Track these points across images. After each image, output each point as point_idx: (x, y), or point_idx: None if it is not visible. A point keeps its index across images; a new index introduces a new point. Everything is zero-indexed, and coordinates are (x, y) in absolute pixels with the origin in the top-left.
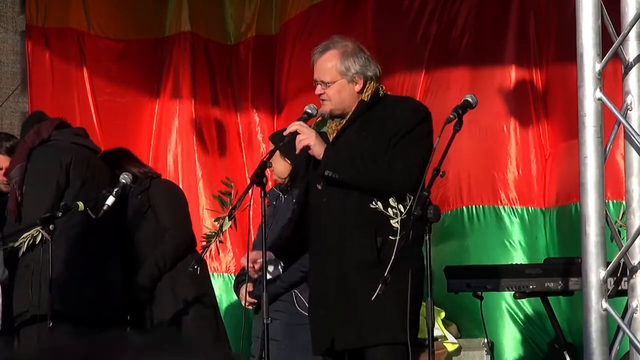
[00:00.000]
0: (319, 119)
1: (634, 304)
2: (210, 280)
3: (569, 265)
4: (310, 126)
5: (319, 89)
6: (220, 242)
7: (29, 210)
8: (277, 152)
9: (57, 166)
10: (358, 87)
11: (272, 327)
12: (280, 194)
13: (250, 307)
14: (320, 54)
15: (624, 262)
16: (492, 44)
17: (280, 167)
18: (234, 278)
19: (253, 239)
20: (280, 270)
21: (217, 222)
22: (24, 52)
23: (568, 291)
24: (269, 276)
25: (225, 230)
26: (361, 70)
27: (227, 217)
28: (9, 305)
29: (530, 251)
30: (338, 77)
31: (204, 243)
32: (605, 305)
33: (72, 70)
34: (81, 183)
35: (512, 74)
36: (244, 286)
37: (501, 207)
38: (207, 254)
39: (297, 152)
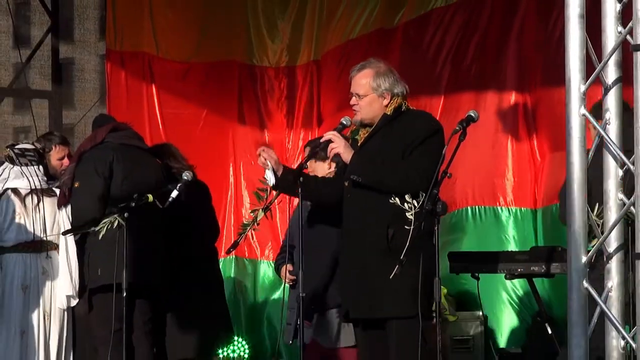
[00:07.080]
0: (354, 127)
1: (609, 284)
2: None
3: (551, 252)
4: (346, 135)
5: (353, 100)
6: (254, 230)
7: (80, 199)
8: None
9: (102, 162)
10: (385, 102)
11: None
12: None
13: (290, 284)
14: (358, 71)
15: (601, 250)
16: (493, 74)
17: (319, 168)
18: (274, 262)
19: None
20: (273, 179)
21: (252, 213)
22: (103, 72)
23: (550, 274)
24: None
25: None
26: (390, 87)
27: (261, 210)
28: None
29: (521, 243)
30: (370, 91)
31: (240, 231)
32: (586, 285)
33: (143, 86)
34: (124, 176)
35: (511, 98)
36: (284, 266)
37: (499, 208)
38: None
39: (329, 158)
